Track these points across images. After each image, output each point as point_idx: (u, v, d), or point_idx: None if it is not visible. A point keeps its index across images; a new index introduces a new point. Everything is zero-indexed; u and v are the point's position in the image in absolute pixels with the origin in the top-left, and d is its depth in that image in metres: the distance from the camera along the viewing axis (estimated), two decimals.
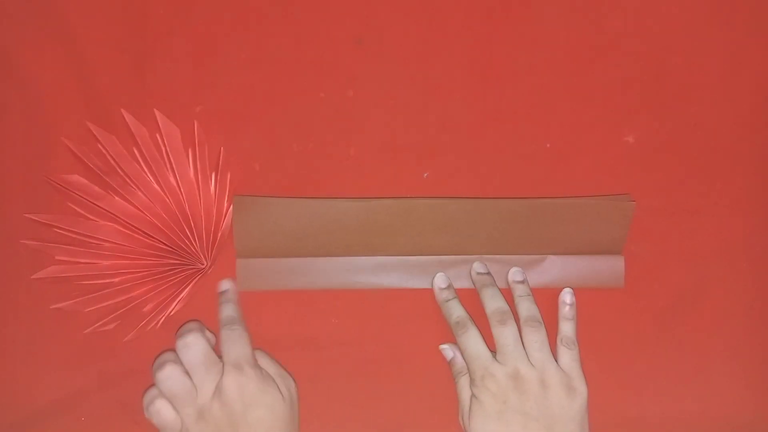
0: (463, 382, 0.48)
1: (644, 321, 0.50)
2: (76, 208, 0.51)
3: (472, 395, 0.46)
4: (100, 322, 0.50)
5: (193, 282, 0.50)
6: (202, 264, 0.50)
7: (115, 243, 0.50)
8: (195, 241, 0.50)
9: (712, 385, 0.50)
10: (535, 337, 0.46)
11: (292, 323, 0.51)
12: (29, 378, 0.51)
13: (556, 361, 0.46)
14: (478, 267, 0.50)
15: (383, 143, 0.52)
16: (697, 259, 0.51)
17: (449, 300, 0.49)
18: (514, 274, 0.50)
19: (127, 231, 0.50)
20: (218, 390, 0.44)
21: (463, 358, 0.47)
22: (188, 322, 0.49)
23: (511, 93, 0.52)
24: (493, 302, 0.48)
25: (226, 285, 0.50)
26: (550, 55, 0.52)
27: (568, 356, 0.46)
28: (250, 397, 0.44)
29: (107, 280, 0.51)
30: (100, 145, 0.51)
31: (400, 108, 0.52)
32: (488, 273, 0.50)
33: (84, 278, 0.51)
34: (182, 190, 0.50)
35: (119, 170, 0.51)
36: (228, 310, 0.49)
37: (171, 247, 0.50)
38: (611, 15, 0.52)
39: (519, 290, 0.49)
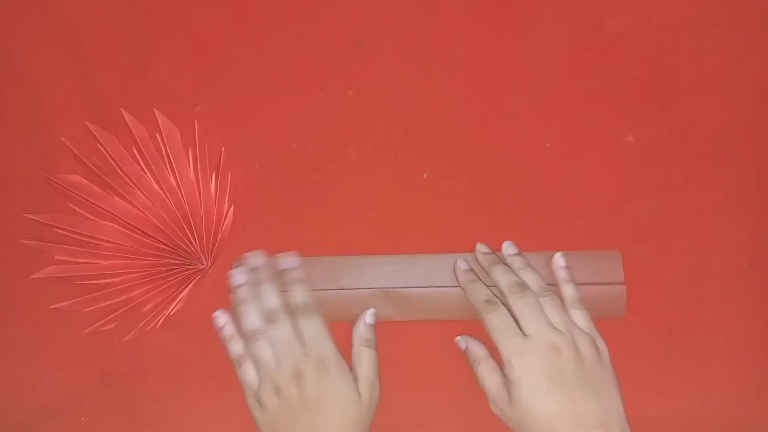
0: (484, 370, 0.46)
1: (644, 321, 0.50)
2: (76, 208, 0.51)
3: (507, 379, 0.44)
4: (100, 322, 0.50)
5: (193, 282, 0.50)
6: (202, 264, 0.50)
7: (115, 243, 0.50)
8: (195, 241, 0.50)
9: (712, 385, 0.50)
10: (553, 304, 0.45)
11: None
12: (29, 378, 0.51)
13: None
14: (481, 248, 0.49)
15: (383, 143, 0.52)
16: (697, 259, 0.51)
17: (474, 281, 0.48)
18: (508, 247, 0.49)
19: (127, 231, 0.50)
20: (297, 374, 0.45)
21: (493, 338, 0.45)
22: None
23: (511, 93, 0.52)
24: (506, 277, 0.47)
25: None
26: (551, 55, 0.52)
27: (582, 317, 0.46)
28: (327, 391, 0.45)
29: (107, 280, 0.51)
30: (100, 145, 0.51)
31: (400, 108, 0.52)
32: (493, 253, 0.49)
33: (84, 278, 0.51)
34: (182, 190, 0.50)
35: (119, 170, 0.51)
36: (298, 296, 0.48)
37: (171, 247, 0.50)
38: (612, 15, 0.52)
39: (518, 263, 0.48)
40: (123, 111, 0.51)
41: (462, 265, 0.49)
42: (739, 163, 0.51)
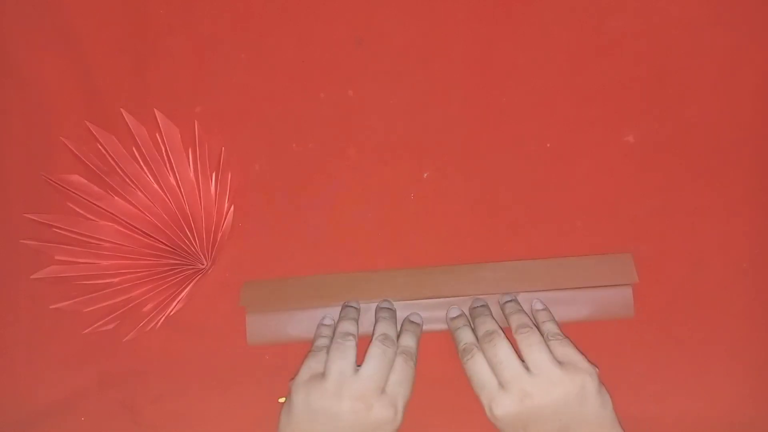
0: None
1: (644, 321, 0.50)
2: (75, 208, 0.51)
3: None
4: (100, 322, 0.50)
5: (193, 282, 0.50)
6: (202, 264, 0.50)
7: (115, 243, 0.50)
8: (195, 241, 0.50)
9: (712, 385, 0.50)
10: (530, 340, 0.45)
11: None
12: (29, 378, 0.51)
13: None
14: (474, 302, 0.50)
15: (383, 143, 0.52)
16: (697, 259, 0.51)
17: (459, 328, 0.48)
18: (503, 297, 0.49)
19: (127, 231, 0.50)
20: (362, 399, 0.43)
21: (471, 385, 0.46)
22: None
23: (511, 93, 0.52)
24: (482, 328, 0.47)
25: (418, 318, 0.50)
26: (551, 55, 0.52)
27: (560, 346, 0.45)
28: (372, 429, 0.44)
29: (107, 280, 0.51)
30: (100, 145, 0.51)
31: (400, 108, 0.52)
32: (484, 305, 0.49)
33: (84, 278, 0.51)
34: (182, 190, 0.50)
35: (119, 170, 0.51)
36: (409, 340, 0.47)
37: (171, 247, 0.50)
38: (612, 15, 0.52)
39: (509, 308, 0.48)
40: (123, 111, 0.51)
41: (452, 313, 0.50)
42: (739, 163, 0.51)
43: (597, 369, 0.44)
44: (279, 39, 0.52)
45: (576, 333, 0.48)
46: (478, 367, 0.45)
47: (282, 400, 0.50)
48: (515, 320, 0.47)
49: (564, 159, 0.51)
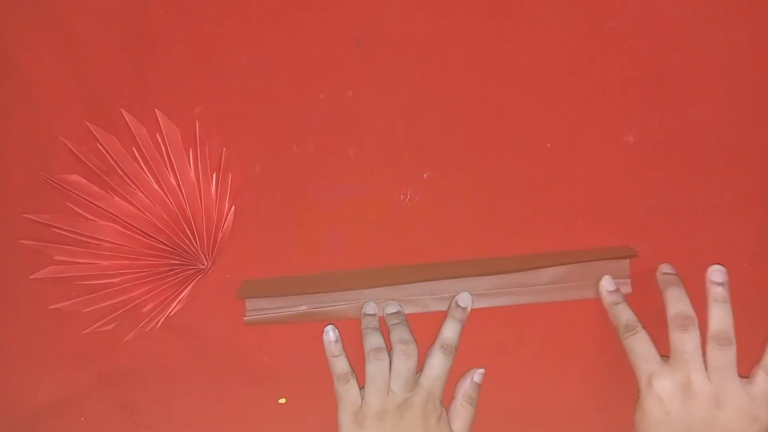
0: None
1: (644, 321, 0.50)
2: (75, 208, 0.51)
3: (640, 394, 0.46)
4: (100, 323, 0.50)
5: (194, 282, 0.50)
6: (203, 264, 0.50)
7: (115, 243, 0.50)
8: (195, 241, 0.50)
9: None
10: (722, 355, 0.44)
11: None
12: (29, 378, 0.51)
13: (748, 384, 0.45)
14: (664, 268, 0.49)
15: (383, 143, 0.52)
16: (697, 259, 0.51)
17: (618, 303, 0.48)
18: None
19: (127, 231, 0.50)
20: (408, 403, 0.46)
21: (630, 361, 0.46)
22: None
23: (511, 93, 0.52)
24: (676, 305, 0.46)
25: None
26: (550, 55, 0.52)
27: (765, 383, 0.44)
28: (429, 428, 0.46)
29: (107, 281, 0.51)
30: (99, 145, 0.51)
31: (400, 108, 0.52)
32: (675, 273, 0.48)
33: (83, 278, 0.51)
34: (183, 190, 0.50)
35: (119, 170, 0.51)
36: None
37: (171, 248, 0.50)
38: (611, 15, 0.52)
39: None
40: (123, 111, 0.51)
41: (608, 286, 0.49)
42: (739, 163, 0.51)
43: None
44: (279, 39, 0.52)
45: (574, 333, 0.48)
46: (642, 342, 0.46)
47: (282, 401, 0.50)
48: (716, 321, 0.46)
49: (564, 159, 0.51)
